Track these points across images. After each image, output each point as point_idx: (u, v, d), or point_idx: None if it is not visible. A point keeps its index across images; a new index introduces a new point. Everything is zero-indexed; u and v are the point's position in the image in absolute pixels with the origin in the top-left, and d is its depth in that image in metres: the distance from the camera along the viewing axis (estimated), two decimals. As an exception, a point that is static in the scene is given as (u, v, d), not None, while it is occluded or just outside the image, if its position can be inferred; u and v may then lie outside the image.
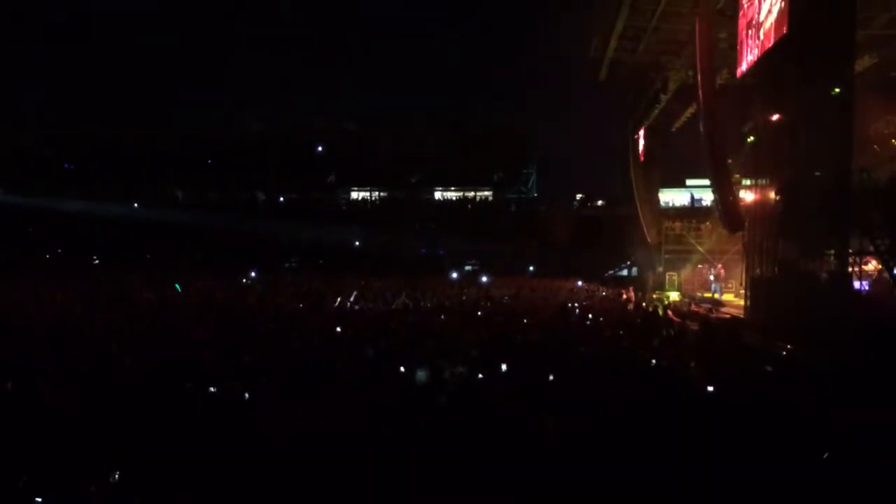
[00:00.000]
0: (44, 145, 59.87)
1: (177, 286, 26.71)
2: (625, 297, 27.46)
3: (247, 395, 8.92)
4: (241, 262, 40.09)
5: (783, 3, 15.78)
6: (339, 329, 15.29)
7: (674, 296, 29.00)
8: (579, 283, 33.29)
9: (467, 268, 44.66)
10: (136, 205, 55.12)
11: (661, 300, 27.26)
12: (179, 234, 48.68)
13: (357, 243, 50.08)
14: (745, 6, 18.65)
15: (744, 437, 7.02)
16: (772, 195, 17.88)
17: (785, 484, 6.14)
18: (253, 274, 38.04)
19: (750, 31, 18.39)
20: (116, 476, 5.99)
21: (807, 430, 7.27)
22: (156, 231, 49.03)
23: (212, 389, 9.10)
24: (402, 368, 10.33)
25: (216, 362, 10.71)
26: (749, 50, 18.62)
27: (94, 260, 47.13)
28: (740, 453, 6.55)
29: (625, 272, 41.71)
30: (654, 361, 11.68)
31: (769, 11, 16.72)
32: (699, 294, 28.85)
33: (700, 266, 32.25)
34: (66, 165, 60.45)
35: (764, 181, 18.91)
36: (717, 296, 27.66)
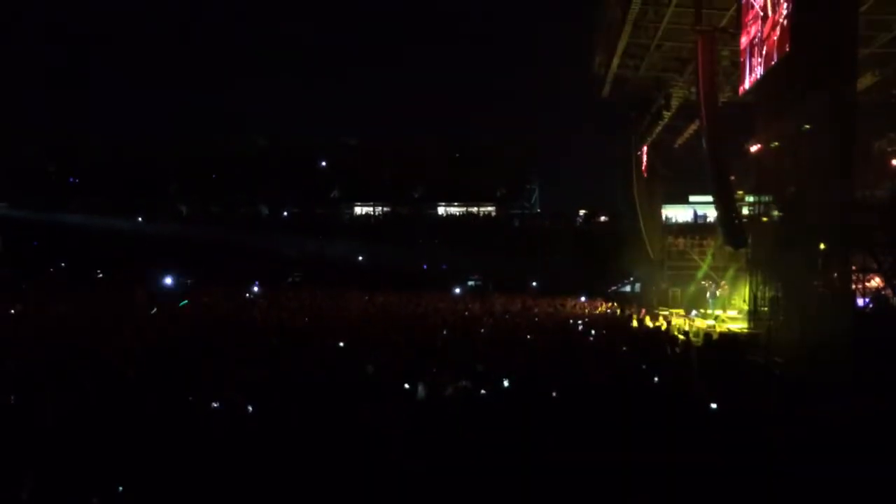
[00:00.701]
0: (48, 159, 60.16)
1: (183, 302, 26.66)
2: (628, 313, 27.39)
3: (249, 408, 8.93)
4: (244, 276, 40.13)
5: (786, 22, 15.87)
6: (341, 344, 15.30)
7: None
8: (582, 298, 33.24)
9: (470, 283, 44.65)
10: (140, 219, 55.29)
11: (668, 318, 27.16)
12: (183, 248, 48.75)
13: (360, 258, 50.10)
14: (748, 24, 18.75)
15: (744, 450, 7.03)
16: (774, 212, 17.90)
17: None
18: (256, 288, 38.06)
19: (752, 50, 18.47)
20: (120, 488, 5.99)
21: (806, 444, 7.27)
22: (160, 245, 49.09)
23: (215, 404, 9.10)
24: (405, 385, 10.34)
25: (219, 376, 10.71)
26: (751, 68, 18.69)
27: (98, 273, 47.19)
28: (740, 465, 6.57)
29: (628, 288, 41.66)
30: (656, 378, 11.68)
31: (772, 30, 16.81)
32: (702, 310, 28.78)
33: (704, 283, 32.19)
34: (70, 180, 60.71)
35: (766, 198, 18.94)
36: (717, 313, 27.59)
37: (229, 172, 58.96)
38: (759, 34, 17.73)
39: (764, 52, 17.41)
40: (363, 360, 12.56)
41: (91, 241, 49.28)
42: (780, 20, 16.17)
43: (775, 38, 16.56)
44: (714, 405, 9.33)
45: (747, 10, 18.58)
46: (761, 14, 17.49)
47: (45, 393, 9.09)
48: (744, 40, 19.18)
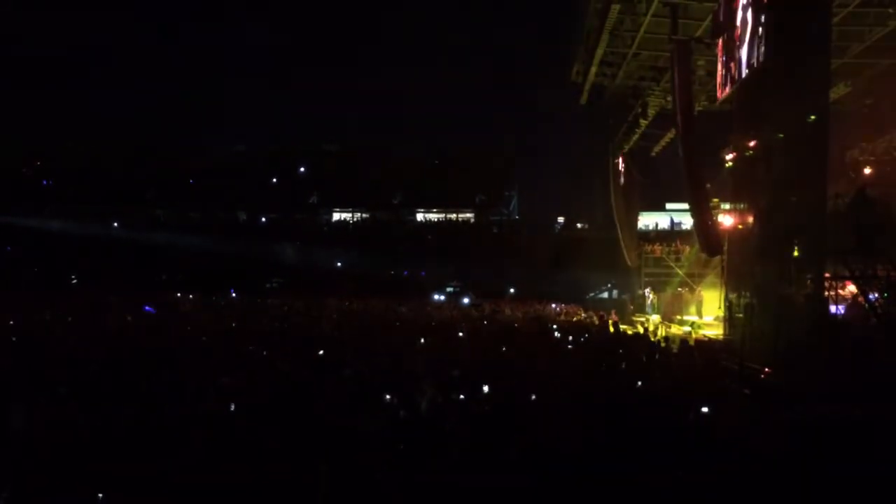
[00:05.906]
0: (23, 163, 59.49)
1: (146, 308, 26.25)
2: (606, 319, 27.50)
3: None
4: (222, 283, 39.89)
5: (761, 32, 16.09)
6: (321, 352, 15.23)
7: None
8: (560, 305, 33.37)
9: (449, 289, 44.70)
10: (116, 224, 54.77)
11: (644, 323, 27.32)
12: (160, 254, 48.39)
13: (339, 264, 49.98)
14: (723, 34, 18.98)
15: (719, 458, 7.10)
16: (749, 219, 18.09)
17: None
18: (233, 294, 37.84)
19: (728, 59, 18.71)
20: (100, 496, 5.95)
21: (781, 452, 7.35)
22: (136, 251, 48.67)
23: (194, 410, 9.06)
24: (384, 393, 10.31)
25: (196, 383, 10.63)
26: (726, 77, 18.93)
27: (73, 280, 46.67)
28: (713, 473, 6.63)
29: (605, 295, 41.92)
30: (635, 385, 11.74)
31: (746, 40, 17.04)
32: (678, 317, 28.96)
33: (680, 289, 32.40)
34: (44, 182, 60.06)
35: (741, 205, 19.14)
36: (693, 319, 27.74)
37: (207, 178, 58.64)
38: (735, 44, 17.96)
39: (739, 63, 17.65)
40: (341, 369, 12.51)
41: (65, 246, 48.75)
42: (755, 31, 16.40)
43: (750, 48, 16.80)
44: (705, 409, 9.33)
45: (727, 20, 18.80)
46: (739, 24, 17.72)
47: (20, 400, 8.98)
48: (719, 50, 19.42)
